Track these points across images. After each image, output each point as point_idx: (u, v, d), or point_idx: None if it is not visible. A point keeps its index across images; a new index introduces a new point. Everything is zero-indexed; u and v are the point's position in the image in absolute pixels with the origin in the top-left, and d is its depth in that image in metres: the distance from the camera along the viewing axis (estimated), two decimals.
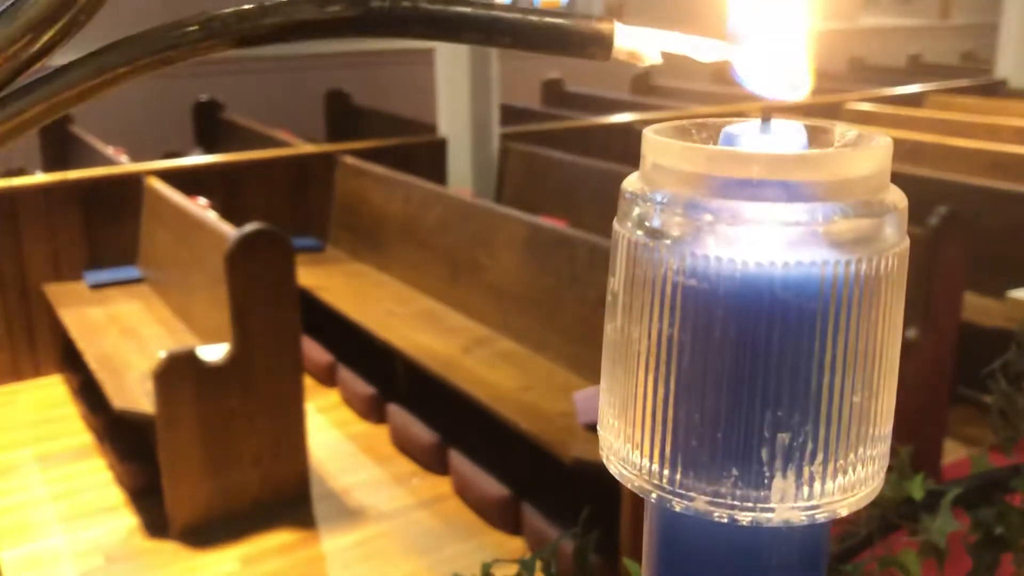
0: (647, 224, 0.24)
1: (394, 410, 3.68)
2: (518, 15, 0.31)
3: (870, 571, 0.68)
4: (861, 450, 0.23)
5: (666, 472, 0.23)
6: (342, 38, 0.32)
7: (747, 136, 0.25)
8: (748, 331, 0.21)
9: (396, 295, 4.12)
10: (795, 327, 0.21)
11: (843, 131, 0.26)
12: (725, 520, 0.22)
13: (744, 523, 0.22)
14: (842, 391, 0.22)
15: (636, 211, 0.24)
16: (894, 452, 0.82)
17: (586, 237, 3.30)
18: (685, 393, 0.23)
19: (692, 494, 0.23)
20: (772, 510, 0.22)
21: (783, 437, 0.22)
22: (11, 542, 3.05)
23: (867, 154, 0.23)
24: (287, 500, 3.20)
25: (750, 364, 0.22)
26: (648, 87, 7.91)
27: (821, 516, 0.23)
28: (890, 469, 0.73)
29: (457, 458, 3.32)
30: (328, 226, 4.83)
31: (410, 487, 3.38)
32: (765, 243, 0.21)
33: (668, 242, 0.23)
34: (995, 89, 7.29)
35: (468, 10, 0.30)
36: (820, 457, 0.22)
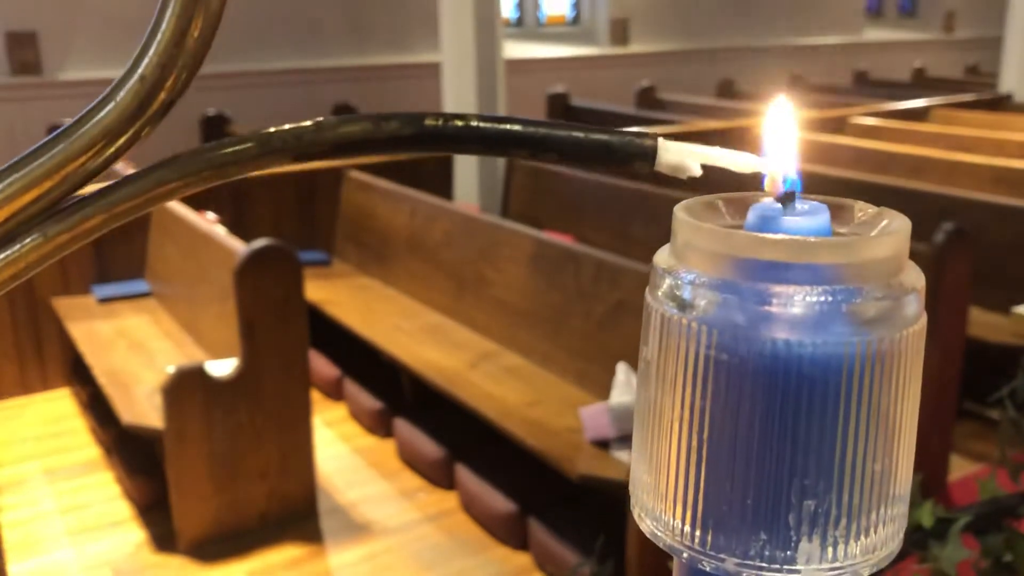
0: (678, 297, 0.25)
1: (401, 424, 3.69)
2: (565, 132, 0.32)
3: None
4: (882, 511, 0.24)
5: (697, 533, 0.25)
6: (397, 155, 0.33)
7: (773, 215, 0.26)
8: (775, 405, 0.23)
9: (402, 309, 4.14)
10: (820, 401, 0.23)
11: (863, 207, 0.28)
12: None
13: None
14: (864, 459, 0.23)
15: (667, 284, 0.25)
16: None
17: (592, 253, 3.32)
18: (714, 461, 0.24)
19: (722, 555, 0.24)
20: (798, 572, 0.24)
21: (809, 504, 0.23)
22: (19, 556, 3.06)
23: (887, 239, 0.24)
24: (294, 515, 3.21)
25: (777, 436, 0.23)
26: (653, 101, 7.94)
27: (873, 570, 0.24)
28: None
29: (464, 473, 3.33)
30: (334, 240, 4.85)
31: (417, 501, 3.39)
32: (791, 322, 0.23)
33: (698, 317, 0.24)
34: (1000, 103, 7.30)
35: (518, 128, 0.32)
36: (844, 522, 0.24)
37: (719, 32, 9.34)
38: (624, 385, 2.94)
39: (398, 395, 3.84)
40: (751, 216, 0.27)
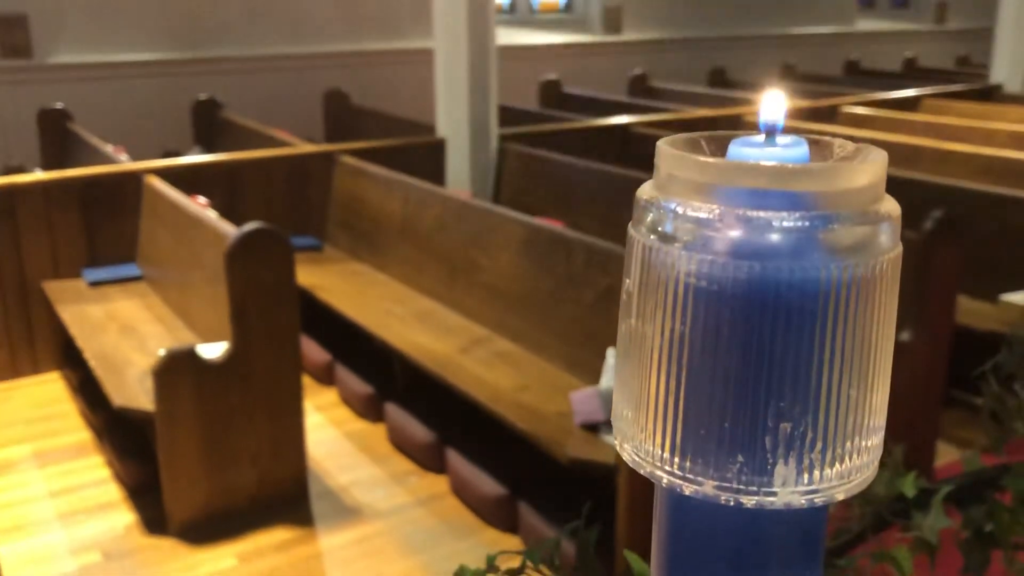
0: (660, 229, 0.25)
1: (392, 409, 3.70)
2: None
3: (863, 566, 0.70)
4: (857, 440, 0.25)
5: (676, 459, 0.25)
6: None
7: (753, 148, 0.27)
8: (753, 329, 0.23)
9: (394, 295, 4.14)
10: (796, 326, 0.23)
11: (842, 144, 0.28)
12: (731, 503, 0.24)
13: (748, 506, 0.24)
14: (839, 385, 0.24)
15: (650, 217, 0.26)
16: (887, 451, 0.84)
17: (583, 239, 3.33)
18: (694, 387, 0.24)
19: (701, 479, 0.25)
20: (775, 494, 0.24)
21: (785, 427, 0.24)
22: (9, 538, 3.06)
23: (864, 167, 0.25)
24: (285, 498, 3.21)
25: (755, 360, 0.24)
26: (645, 89, 7.93)
27: (819, 500, 0.25)
28: (883, 467, 0.75)
29: (454, 457, 3.34)
30: (326, 225, 4.85)
31: (407, 485, 3.40)
32: (769, 248, 0.23)
33: (679, 246, 0.25)
34: (990, 94, 7.32)
35: None
36: (819, 446, 0.24)
37: (711, 21, 9.33)
38: (614, 369, 2.95)
39: (389, 380, 3.84)
40: (732, 149, 0.27)
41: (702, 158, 0.26)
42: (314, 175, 4.80)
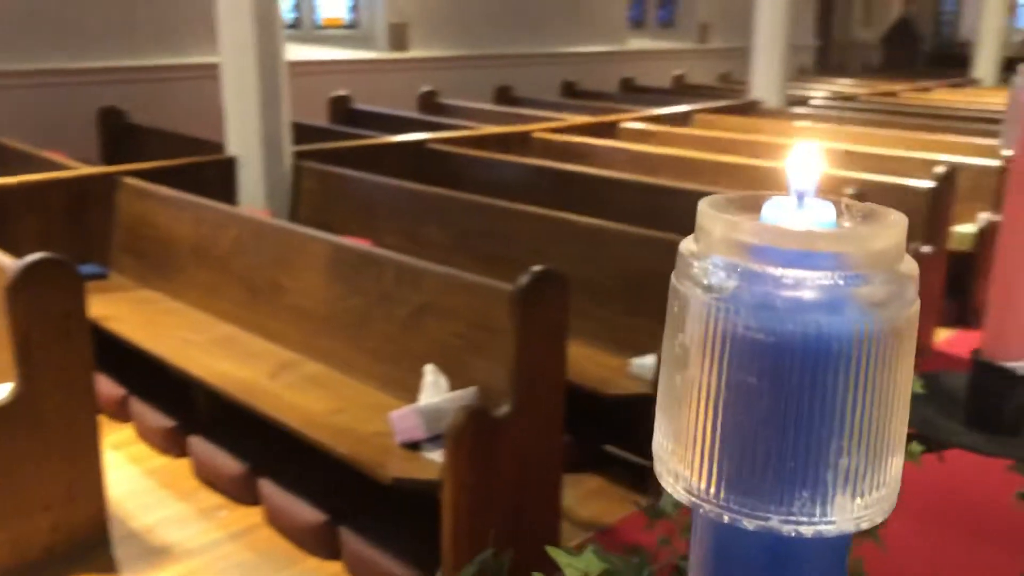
0: (704, 282, 0.28)
1: (196, 442, 3.53)
2: None
3: None
4: (889, 466, 0.28)
5: (737, 497, 0.28)
6: None
7: (787, 210, 0.30)
8: (807, 376, 0.26)
9: (191, 322, 3.95)
10: (844, 372, 0.26)
11: (848, 202, 0.31)
12: (792, 535, 0.27)
13: (807, 535, 0.27)
14: (879, 420, 0.27)
15: (694, 270, 0.28)
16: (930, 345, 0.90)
17: (393, 256, 3.33)
18: (756, 430, 0.27)
19: (765, 514, 0.27)
20: (833, 523, 0.27)
21: (844, 462, 0.27)
22: None
23: (890, 231, 0.29)
24: (84, 545, 2.99)
25: (812, 404, 0.26)
26: (435, 105, 8.02)
27: (865, 524, 0.28)
28: None
29: (267, 487, 3.23)
30: (110, 252, 4.56)
31: (218, 520, 3.26)
32: (815, 303, 0.26)
33: (721, 298, 0.27)
34: (751, 108, 7.96)
35: None
36: (868, 476, 0.27)
37: (496, 39, 9.58)
38: (432, 386, 2.97)
39: (191, 412, 3.67)
40: (767, 210, 0.30)
41: (743, 220, 0.28)
42: (94, 199, 4.50)
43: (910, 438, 0.89)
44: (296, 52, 7.68)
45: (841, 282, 0.27)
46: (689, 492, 0.29)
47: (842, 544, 0.29)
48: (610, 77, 10.18)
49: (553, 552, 0.70)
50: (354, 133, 6.18)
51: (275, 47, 4.82)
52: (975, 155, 5.51)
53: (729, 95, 8.88)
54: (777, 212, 0.30)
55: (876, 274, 0.27)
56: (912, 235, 3.89)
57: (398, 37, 8.89)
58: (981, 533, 2.68)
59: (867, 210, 0.30)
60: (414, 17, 8.93)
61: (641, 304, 3.66)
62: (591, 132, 6.64)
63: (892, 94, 9.76)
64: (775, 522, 0.27)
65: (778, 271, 0.27)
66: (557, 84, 9.56)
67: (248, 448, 3.40)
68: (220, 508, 3.33)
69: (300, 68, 7.32)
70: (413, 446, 2.85)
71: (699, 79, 10.96)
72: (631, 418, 3.54)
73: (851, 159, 5.61)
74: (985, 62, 10.81)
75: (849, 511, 0.28)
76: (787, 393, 0.27)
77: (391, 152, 5.63)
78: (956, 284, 4.99)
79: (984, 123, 7.11)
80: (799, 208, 0.30)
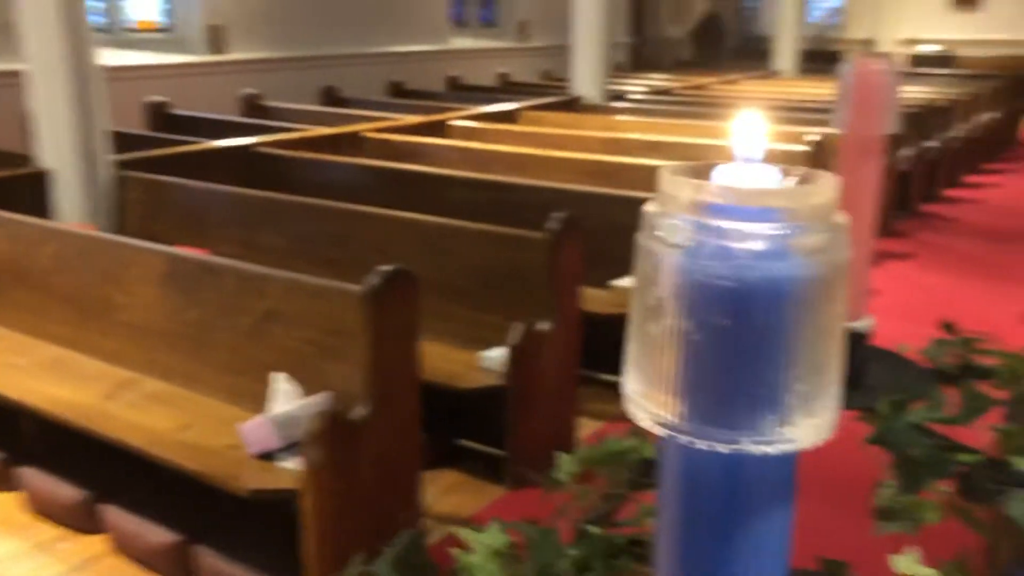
0: (671, 240, 0.31)
1: (27, 473, 3.31)
2: None
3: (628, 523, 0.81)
4: (834, 390, 0.32)
5: (714, 426, 0.31)
6: None
7: (733, 173, 0.33)
8: (769, 315, 0.30)
9: (12, 345, 3.70)
10: (798, 309, 0.30)
11: (787, 169, 0.35)
12: (762, 454, 0.31)
13: (773, 453, 0.31)
14: (826, 352, 0.31)
15: (661, 230, 0.31)
16: (633, 423, 0.95)
17: (233, 264, 3.23)
18: (728, 365, 0.30)
19: (737, 437, 0.31)
20: (794, 441, 0.31)
21: (801, 388, 0.31)
22: None
23: (825, 189, 0.33)
24: None
25: (774, 339, 0.30)
26: (258, 108, 7.81)
27: (821, 441, 0.32)
28: (633, 436, 0.86)
29: (112, 513, 3.08)
30: None
31: (57, 553, 3.08)
32: (758, 252, 0.30)
33: (687, 252, 0.30)
34: (574, 104, 8.20)
35: None
36: (820, 400, 0.31)
37: (318, 40, 9.43)
38: (283, 394, 2.91)
39: (19, 441, 3.43)
40: (717, 175, 0.34)
41: (702, 182, 0.32)
42: None
43: None
44: (108, 57, 7.30)
45: (789, 232, 0.31)
46: (665, 426, 0.32)
47: (793, 460, 0.33)
48: (435, 76, 10.22)
49: (463, 533, 0.72)
50: (176, 139, 5.93)
51: (85, 52, 4.57)
52: (783, 141, 5.90)
53: (552, 92, 9.11)
54: (727, 176, 0.34)
55: (816, 224, 0.31)
56: None
57: (216, 39, 8.60)
58: (834, 472, 2.96)
59: (803, 173, 0.34)
60: (232, 19, 8.67)
61: (487, 299, 3.72)
62: (421, 131, 6.66)
63: (703, 87, 10.28)
64: (746, 444, 0.31)
65: (736, 225, 0.31)
66: (382, 84, 9.52)
67: (88, 475, 3.22)
68: (58, 540, 3.14)
69: (112, 73, 6.96)
70: (268, 456, 2.78)
71: (522, 77, 11.18)
72: (483, 411, 3.60)
73: (672, 149, 5.89)
74: (785, 55, 11.57)
75: (805, 430, 0.32)
76: (751, 331, 0.31)
77: (217, 157, 5.45)
78: None
79: (788, 111, 7.62)
80: (746, 172, 0.34)
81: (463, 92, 9.61)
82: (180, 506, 3.02)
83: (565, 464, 0.83)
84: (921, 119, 8.04)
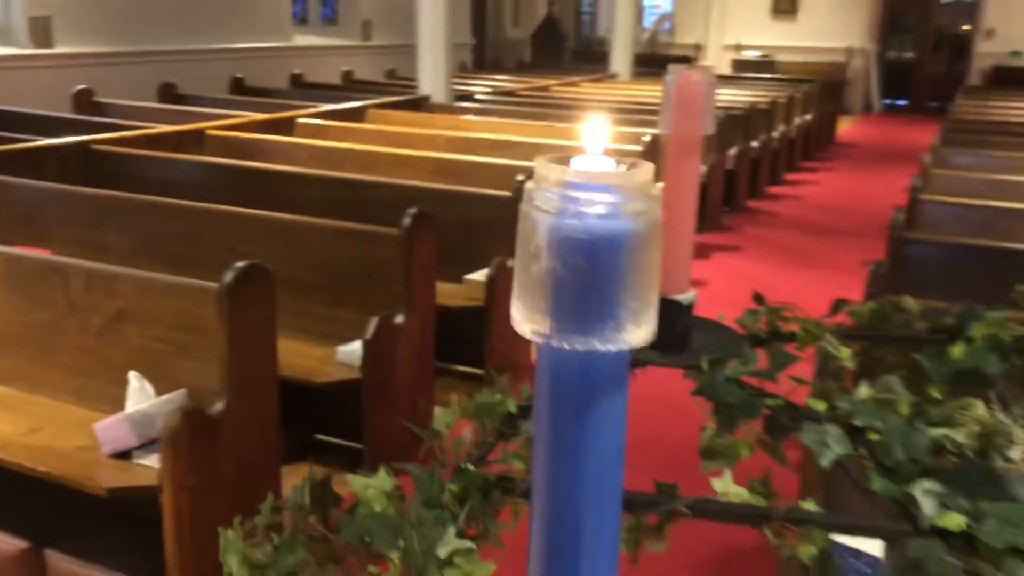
0: (544, 207, 0.43)
1: None
2: None
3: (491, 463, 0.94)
4: (652, 309, 0.45)
5: (573, 333, 0.44)
6: None
7: (586, 162, 0.46)
8: (610, 254, 0.43)
9: None
10: (629, 251, 0.43)
11: (619, 159, 0.48)
12: (606, 352, 0.43)
13: (614, 351, 0.44)
14: (651, 280, 0.44)
15: (537, 200, 0.44)
16: (494, 380, 1.09)
17: (81, 264, 3.17)
18: (584, 289, 0.43)
19: (591, 340, 0.43)
20: (627, 342, 0.44)
21: (633, 304, 0.43)
22: None
23: (645, 172, 0.46)
24: None
25: (613, 269, 0.43)
26: (92, 104, 7.52)
27: (643, 342, 0.45)
28: (494, 392, 1.00)
29: None
30: None
31: None
32: (598, 214, 0.43)
33: (554, 215, 0.43)
34: (421, 104, 8.31)
35: None
36: (646, 312, 0.44)
37: (154, 34, 9.14)
38: (138, 392, 2.90)
39: None
40: (574, 162, 0.46)
41: (567, 168, 0.45)
42: None
43: None
44: None
45: (622, 201, 0.44)
46: (540, 336, 0.45)
47: (626, 355, 0.46)
48: (278, 73, 10.10)
49: (349, 479, 0.83)
50: (5, 137, 5.66)
51: None
52: (622, 141, 6.21)
53: (398, 91, 9.18)
54: (581, 164, 0.46)
55: (640, 196, 0.45)
56: None
57: (40, 32, 8.21)
58: (667, 419, 3.26)
59: (631, 162, 0.47)
60: (58, 9, 8.29)
61: (342, 294, 3.78)
62: (268, 129, 6.61)
63: (545, 88, 10.59)
64: (595, 344, 0.44)
65: (588, 196, 0.44)
66: (223, 81, 9.33)
67: None
68: None
69: None
70: (124, 455, 2.77)
71: (367, 75, 11.18)
72: (340, 405, 3.66)
73: (518, 149, 6.09)
74: (621, 58, 12.06)
75: (635, 335, 0.45)
76: (598, 268, 0.43)
77: (51, 155, 5.25)
78: None
79: (625, 113, 7.99)
80: (594, 161, 0.47)
81: (308, 90, 9.54)
82: (32, 511, 2.95)
83: (442, 416, 0.95)
84: (745, 121, 8.60)
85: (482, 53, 15.50)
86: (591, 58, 15.05)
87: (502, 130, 6.95)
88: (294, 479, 3.51)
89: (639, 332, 0.44)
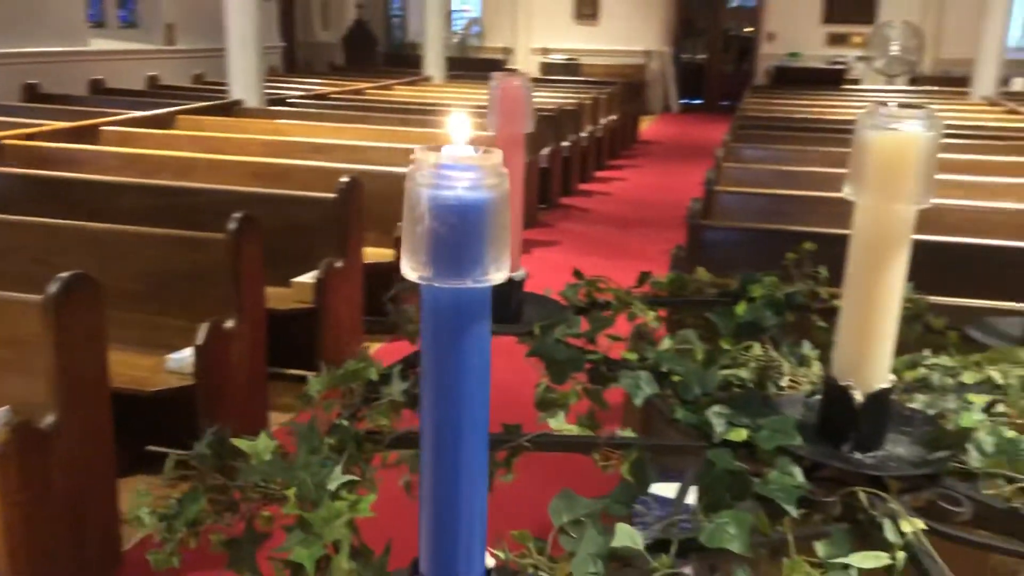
0: (424, 183, 0.58)
1: None
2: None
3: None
4: (507, 257, 0.60)
5: (453, 275, 0.58)
6: None
7: (451, 150, 0.61)
8: (473, 219, 0.57)
9: None
10: (486, 214, 0.58)
11: (482, 150, 0.63)
12: (476, 287, 0.58)
13: (482, 287, 0.58)
14: (504, 237, 0.59)
15: (418, 179, 0.58)
16: (355, 354, 1.21)
17: None
18: (455, 246, 0.57)
19: (466, 280, 0.58)
20: (490, 280, 0.58)
21: (494, 252, 0.58)
22: None
23: (497, 157, 0.60)
24: None
25: (476, 229, 0.57)
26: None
27: (500, 279, 0.60)
28: (359, 362, 1.13)
29: None
30: None
31: None
32: (466, 187, 0.57)
33: (432, 188, 0.57)
34: (233, 109, 8.16)
35: None
36: (502, 260, 0.59)
37: None
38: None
39: None
40: (445, 150, 0.60)
41: (440, 153, 0.59)
42: None
43: None
44: None
45: (481, 176, 0.59)
46: (425, 280, 0.59)
47: (489, 291, 0.61)
48: (76, 79, 9.62)
49: (236, 442, 0.94)
50: None
51: None
52: (440, 142, 6.37)
53: (207, 96, 8.96)
54: (451, 151, 0.61)
55: (493, 173, 0.60)
56: (399, 214, 4.46)
57: None
58: (508, 380, 3.43)
59: (485, 148, 0.62)
60: None
61: (169, 302, 3.75)
62: (71, 137, 6.34)
63: (360, 91, 10.62)
64: (467, 283, 0.59)
65: (456, 174, 0.59)
66: (14, 88, 8.81)
67: None
68: None
69: None
70: None
71: (172, 81, 10.83)
72: (174, 413, 3.63)
73: (336, 151, 6.14)
74: (434, 61, 12.24)
75: (495, 275, 0.60)
76: (466, 226, 0.58)
77: None
78: None
79: (440, 115, 8.17)
80: (459, 148, 0.62)
81: (109, 96, 9.15)
82: None
83: (314, 384, 1.07)
84: (556, 121, 8.99)
85: (292, 57, 15.29)
86: (404, 61, 15.15)
87: (319, 133, 6.97)
88: (131, 491, 3.47)
89: (498, 273, 0.59)
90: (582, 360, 1.20)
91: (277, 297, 4.29)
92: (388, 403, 1.09)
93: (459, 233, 0.57)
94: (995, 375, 1.17)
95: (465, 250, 0.57)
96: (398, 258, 3.52)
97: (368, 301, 4.91)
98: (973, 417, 1.03)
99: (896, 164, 0.93)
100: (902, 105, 0.93)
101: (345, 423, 0.97)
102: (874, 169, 0.94)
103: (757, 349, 1.21)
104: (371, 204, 4.98)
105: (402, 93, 10.83)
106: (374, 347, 4.98)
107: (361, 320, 4.87)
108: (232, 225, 3.63)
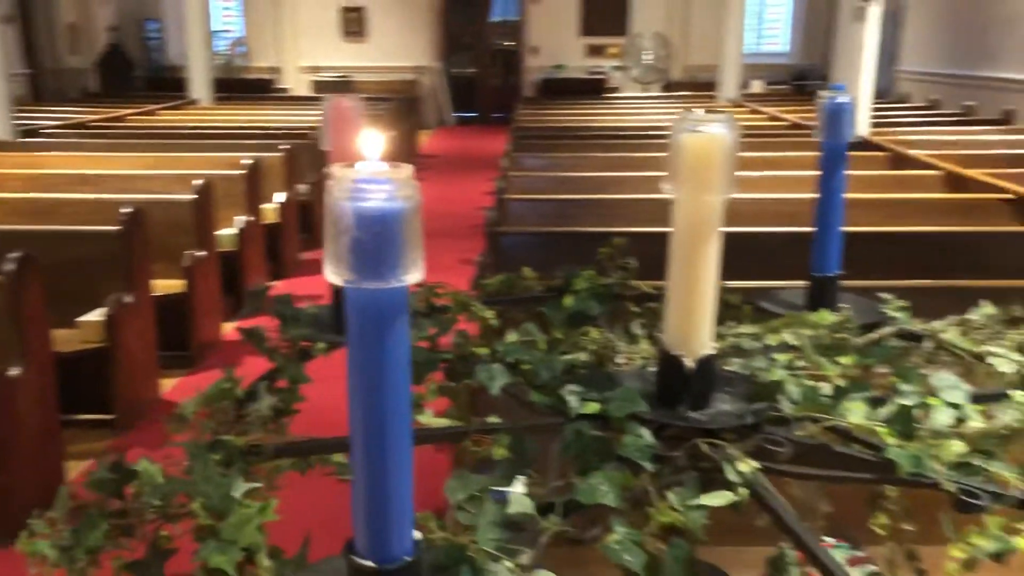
0: (343, 196, 0.64)
1: None
2: None
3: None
4: (421, 260, 0.67)
5: (368, 277, 0.64)
6: None
7: (366, 166, 0.67)
8: (388, 224, 0.64)
9: None
10: (396, 223, 0.64)
11: (395, 166, 0.69)
12: (393, 288, 0.65)
13: (399, 287, 0.65)
14: (415, 240, 0.66)
15: (338, 193, 0.64)
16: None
17: None
18: (374, 248, 0.64)
19: (389, 281, 0.64)
20: (407, 281, 0.65)
21: (410, 256, 0.65)
22: None
23: (406, 170, 0.67)
24: None
25: (390, 234, 0.64)
26: None
27: (415, 280, 0.66)
28: (229, 383, 1.16)
29: None
30: None
31: None
32: (378, 199, 0.64)
33: (351, 201, 0.63)
34: None
35: None
36: (416, 264, 0.66)
37: None
38: None
39: None
40: (359, 166, 0.66)
41: (356, 170, 0.65)
42: None
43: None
44: None
45: (393, 188, 0.66)
46: (350, 283, 0.66)
47: (406, 290, 0.68)
48: None
49: (129, 464, 0.94)
50: None
51: None
52: (219, 167, 6.21)
53: None
54: (367, 167, 0.67)
55: (404, 185, 0.67)
56: (184, 243, 4.30)
57: None
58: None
59: (396, 163, 0.69)
60: None
61: None
62: None
63: (121, 119, 10.09)
64: (388, 283, 0.66)
65: (373, 187, 0.65)
66: None
67: None
68: None
69: None
70: None
71: None
72: None
73: (104, 182, 5.84)
74: (200, 83, 11.82)
75: (411, 276, 0.67)
76: (384, 233, 0.65)
77: None
78: (231, 280, 5.64)
79: (216, 139, 7.94)
80: (372, 162, 0.68)
81: None
82: None
83: (188, 405, 1.09)
84: None
85: (39, 84, 14.26)
86: (166, 85, 14.49)
87: (84, 164, 6.60)
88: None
89: (413, 274, 0.66)
90: (436, 360, 1.28)
91: (63, 339, 4.05)
92: (257, 419, 1.12)
93: (381, 240, 0.64)
94: (789, 337, 1.36)
95: (386, 255, 0.64)
96: (190, 288, 3.49)
97: (162, 336, 4.72)
98: (779, 372, 1.20)
99: (705, 161, 1.08)
100: (708, 111, 1.08)
101: (230, 438, 1.00)
102: (687, 167, 1.08)
103: (595, 333, 1.34)
104: (155, 234, 4.79)
105: (168, 117, 10.40)
106: (170, 383, 4.79)
107: (156, 356, 4.67)
108: (9, 266, 3.40)
